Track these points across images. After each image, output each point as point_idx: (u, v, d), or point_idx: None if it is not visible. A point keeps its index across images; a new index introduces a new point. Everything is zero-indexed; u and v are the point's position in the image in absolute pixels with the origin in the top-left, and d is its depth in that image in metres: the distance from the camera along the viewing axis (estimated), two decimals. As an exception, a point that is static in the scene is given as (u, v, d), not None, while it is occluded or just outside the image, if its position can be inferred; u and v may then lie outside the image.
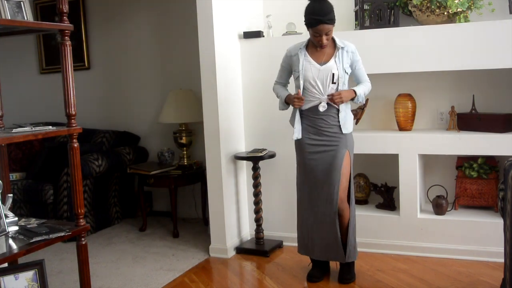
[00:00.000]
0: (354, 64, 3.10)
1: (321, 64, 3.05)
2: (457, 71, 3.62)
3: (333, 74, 3.02)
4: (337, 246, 3.13)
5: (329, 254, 3.19)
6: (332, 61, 3.04)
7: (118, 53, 5.18)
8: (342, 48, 3.06)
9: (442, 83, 3.82)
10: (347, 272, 3.23)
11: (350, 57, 3.08)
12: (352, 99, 3.09)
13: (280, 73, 3.30)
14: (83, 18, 5.26)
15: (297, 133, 3.16)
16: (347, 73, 3.08)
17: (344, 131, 3.08)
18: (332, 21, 2.95)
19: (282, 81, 3.32)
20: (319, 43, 3.01)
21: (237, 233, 3.98)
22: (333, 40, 3.09)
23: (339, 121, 3.08)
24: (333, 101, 3.01)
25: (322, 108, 3.07)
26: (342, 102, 3.03)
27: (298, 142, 3.21)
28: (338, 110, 3.08)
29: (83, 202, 2.59)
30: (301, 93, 3.08)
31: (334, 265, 3.37)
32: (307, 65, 3.07)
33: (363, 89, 3.12)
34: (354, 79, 3.18)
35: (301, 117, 3.16)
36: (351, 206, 3.16)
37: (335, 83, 3.03)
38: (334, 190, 3.08)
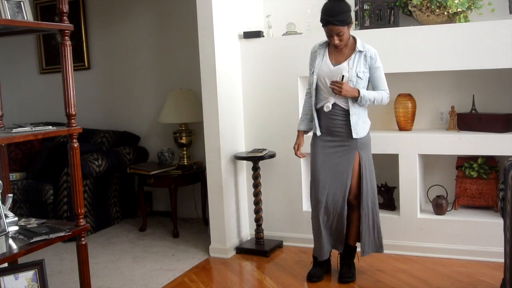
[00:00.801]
0: (372, 70, 3.04)
1: (335, 65, 3.05)
2: (457, 71, 3.62)
3: (343, 76, 3.00)
4: (341, 240, 3.20)
5: (333, 245, 3.26)
6: (345, 63, 3.03)
7: (118, 53, 5.19)
8: (360, 51, 3.03)
9: (442, 83, 3.82)
10: (347, 271, 3.23)
11: (369, 62, 3.03)
12: (356, 99, 3.01)
13: (309, 75, 3.22)
14: (83, 18, 5.26)
15: (316, 129, 3.16)
16: (360, 78, 3.01)
17: (354, 136, 3.06)
18: (342, 22, 2.90)
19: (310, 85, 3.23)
20: (331, 42, 3.02)
21: (237, 233, 3.98)
22: (355, 42, 3.06)
23: (349, 124, 3.05)
24: (331, 87, 2.97)
25: (326, 108, 3.08)
26: (340, 93, 2.95)
27: (313, 140, 3.23)
28: (347, 112, 3.05)
29: (83, 202, 2.59)
30: (315, 90, 3.11)
31: (335, 265, 3.38)
32: (323, 63, 3.08)
33: (373, 94, 3.02)
34: (372, 86, 3.12)
35: (317, 114, 3.17)
36: (374, 205, 3.16)
37: None
38: (344, 194, 3.11)
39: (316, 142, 3.20)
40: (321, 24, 2.99)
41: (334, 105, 3.07)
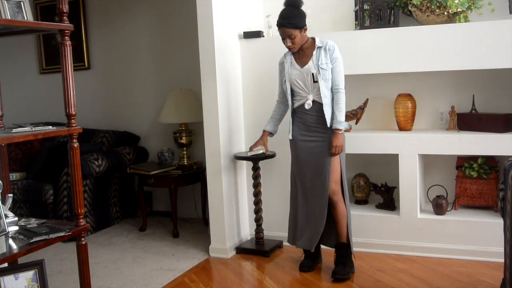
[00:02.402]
0: (332, 61, 3.20)
1: (302, 66, 3.24)
2: (457, 71, 3.62)
3: (313, 74, 3.20)
4: (318, 234, 3.32)
5: (315, 241, 3.34)
6: (310, 62, 3.22)
7: (118, 53, 5.19)
8: (320, 47, 3.22)
9: (442, 83, 3.82)
10: (341, 269, 3.24)
11: (329, 54, 3.20)
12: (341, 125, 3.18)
13: (279, 85, 3.47)
14: (83, 18, 5.26)
15: (290, 132, 3.38)
16: (324, 69, 3.17)
17: (328, 124, 3.20)
18: (292, 25, 3.14)
19: (282, 95, 3.46)
20: (285, 45, 3.23)
21: (237, 233, 3.97)
22: (315, 41, 3.26)
23: (324, 116, 3.20)
24: (335, 154, 3.19)
25: (308, 106, 3.26)
26: (341, 148, 3.18)
27: (292, 142, 3.41)
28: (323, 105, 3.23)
29: (83, 202, 2.60)
30: (290, 95, 3.33)
31: (330, 262, 3.38)
32: (292, 69, 3.29)
33: (340, 114, 3.17)
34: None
35: (294, 114, 3.36)
36: (345, 200, 3.28)
37: (316, 81, 3.20)
38: (325, 184, 3.23)
39: (296, 142, 3.35)
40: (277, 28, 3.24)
41: (313, 102, 3.25)
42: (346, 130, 3.53)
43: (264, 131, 3.53)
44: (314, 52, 3.22)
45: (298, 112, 3.34)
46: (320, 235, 3.31)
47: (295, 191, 3.42)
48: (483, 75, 3.67)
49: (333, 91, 3.21)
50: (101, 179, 4.58)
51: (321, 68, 3.18)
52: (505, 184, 2.44)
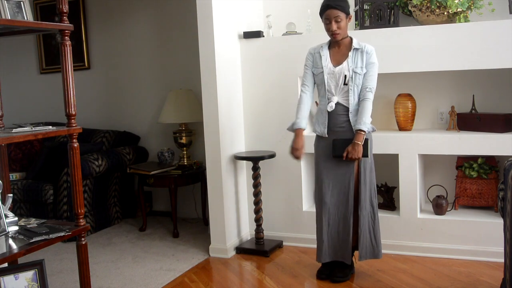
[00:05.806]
0: (367, 66, 3.05)
1: (335, 66, 3.09)
2: (457, 71, 3.62)
3: (345, 76, 3.05)
4: (346, 247, 3.16)
5: (338, 253, 3.21)
6: (344, 63, 3.07)
7: (118, 53, 5.19)
8: (357, 49, 3.07)
9: (442, 83, 3.82)
10: (339, 271, 3.22)
11: (366, 58, 3.05)
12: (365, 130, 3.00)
13: (305, 74, 3.22)
14: (83, 18, 5.26)
15: (324, 130, 3.14)
16: (358, 73, 3.04)
17: (354, 131, 3.06)
18: (340, 7, 2.98)
19: (308, 83, 3.20)
20: (330, 31, 3.04)
21: (237, 233, 3.98)
22: (352, 42, 3.10)
23: (350, 122, 3.08)
24: (352, 158, 2.98)
25: (330, 108, 3.10)
26: (359, 154, 2.96)
27: (316, 141, 3.24)
28: (348, 110, 3.08)
29: (83, 202, 2.60)
30: (319, 91, 3.16)
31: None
32: (326, 65, 3.11)
33: (366, 115, 2.99)
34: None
35: (319, 113, 3.18)
36: (373, 209, 3.16)
37: (346, 84, 3.06)
38: (349, 192, 3.11)
39: (319, 143, 3.21)
40: (320, 14, 3.05)
41: (337, 104, 3.10)
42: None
43: (298, 129, 3.16)
44: (350, 53, 3.05)
45: (322, 112, 3.16)
46: (348, 245, 3.14)
47: (318, 197, 3.22)
48: (483, 75, 3.67)
49: (361, 94, 3.04)
50: (101, 179, 4.58)
51: (355, 72, 3.03)
52: (505, 184, 2.44)
